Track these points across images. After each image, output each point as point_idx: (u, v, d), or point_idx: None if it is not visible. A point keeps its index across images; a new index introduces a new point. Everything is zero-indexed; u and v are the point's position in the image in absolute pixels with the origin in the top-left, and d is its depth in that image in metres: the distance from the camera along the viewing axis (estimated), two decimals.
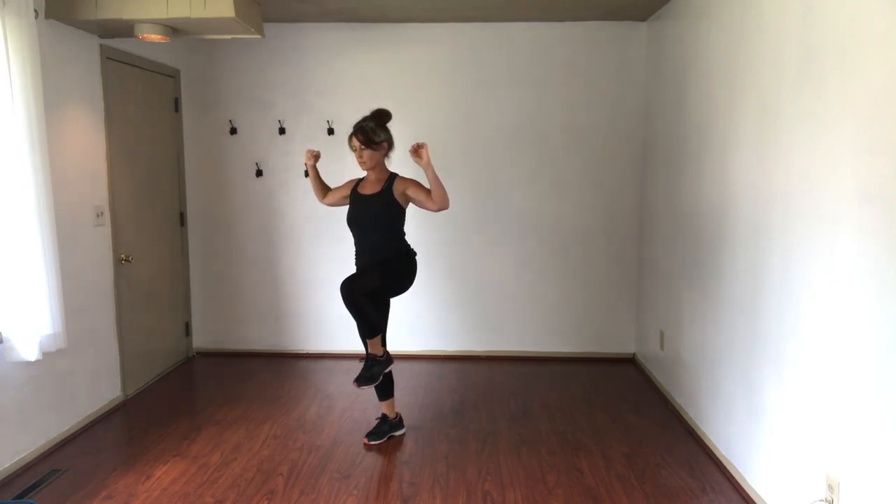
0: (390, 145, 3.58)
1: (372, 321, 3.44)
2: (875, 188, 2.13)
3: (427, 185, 3.43)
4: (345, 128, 5.14)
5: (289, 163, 5.20)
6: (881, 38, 2.11)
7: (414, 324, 5.28)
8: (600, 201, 5.14)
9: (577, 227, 5.19)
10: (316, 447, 3.64)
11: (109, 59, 4.14)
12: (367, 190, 3.58)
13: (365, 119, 3.53)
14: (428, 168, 3.33)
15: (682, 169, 4.09)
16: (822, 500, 2.43)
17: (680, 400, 4.12)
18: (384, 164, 3.59)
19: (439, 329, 5.33)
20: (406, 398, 4.38)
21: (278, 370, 4.99)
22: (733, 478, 3.24)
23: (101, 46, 4.05)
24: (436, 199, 3.37)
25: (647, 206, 4.96)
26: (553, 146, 5.11)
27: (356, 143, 3.49)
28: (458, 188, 4.95)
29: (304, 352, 5.37)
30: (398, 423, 3.81)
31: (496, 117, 5.08)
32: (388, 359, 3.55)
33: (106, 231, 4.12)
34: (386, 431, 3.74)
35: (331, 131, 5.14)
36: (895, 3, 2.05)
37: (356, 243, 3.63)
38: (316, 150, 3.77)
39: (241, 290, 5.35)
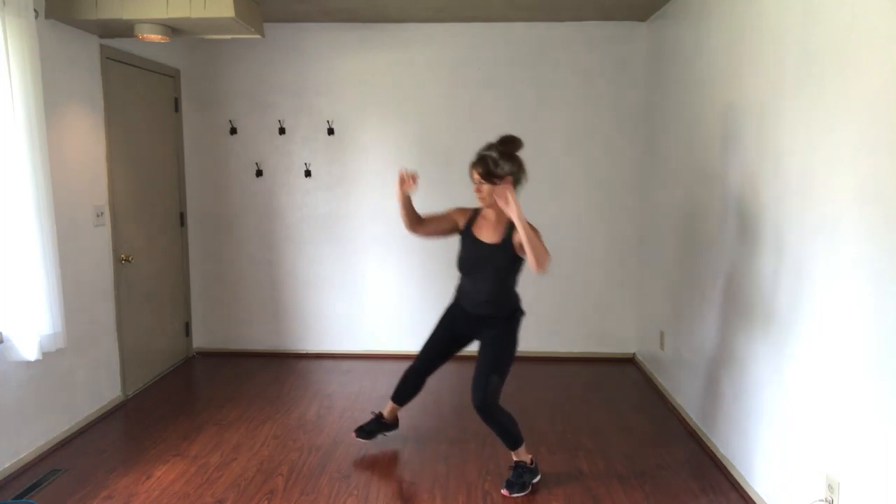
0: (518, 179, 3.02)
1: (515, 433, 3.13)
2: (875, 188, 2.13)
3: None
4: (345, 128, 5.18)
5: (289, 163, 5.20)
6: (881, 39, 2.11)
7: (414, 324, 5.27)
8: (600, 201, 5.14)
9: (577, 227, 5.19)
10: (316, 447, 3.64)
11: (109, 59, 4.14)
12: (486, 235, 3.05)
13: (489, 146, 3.04)
14: (517, 220, 2.75)
15: (682, 169, 4.09)
16: (822, 500, 2.43)
17: (680, 400, 4.12)
18: None
19: None
20: None
21: (278, 370, 4.99)
22: (733, 478, 3.24)
23: (101, 46, 4.05)
24: (531, 260, 2.80)
25: (647, 206, 4.96)
26: (553, 146, 5.10)
27: (476, 175, 3.00)
28: (459, 189, 4.94)
29: (304, 352, 5.37)
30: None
31: (496, 117, 5.07)
32: (537, 467, 3.19)
33: (106, 231, 4.12)
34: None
35: (331, 131, 5.14)
36: (895, 3, 2.05)
37: (463, 286, 3.21)
38: (410, 170, 3.09)
39: (241, 290, 5.35)
